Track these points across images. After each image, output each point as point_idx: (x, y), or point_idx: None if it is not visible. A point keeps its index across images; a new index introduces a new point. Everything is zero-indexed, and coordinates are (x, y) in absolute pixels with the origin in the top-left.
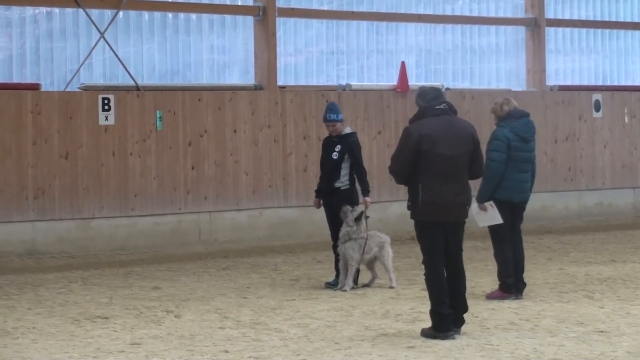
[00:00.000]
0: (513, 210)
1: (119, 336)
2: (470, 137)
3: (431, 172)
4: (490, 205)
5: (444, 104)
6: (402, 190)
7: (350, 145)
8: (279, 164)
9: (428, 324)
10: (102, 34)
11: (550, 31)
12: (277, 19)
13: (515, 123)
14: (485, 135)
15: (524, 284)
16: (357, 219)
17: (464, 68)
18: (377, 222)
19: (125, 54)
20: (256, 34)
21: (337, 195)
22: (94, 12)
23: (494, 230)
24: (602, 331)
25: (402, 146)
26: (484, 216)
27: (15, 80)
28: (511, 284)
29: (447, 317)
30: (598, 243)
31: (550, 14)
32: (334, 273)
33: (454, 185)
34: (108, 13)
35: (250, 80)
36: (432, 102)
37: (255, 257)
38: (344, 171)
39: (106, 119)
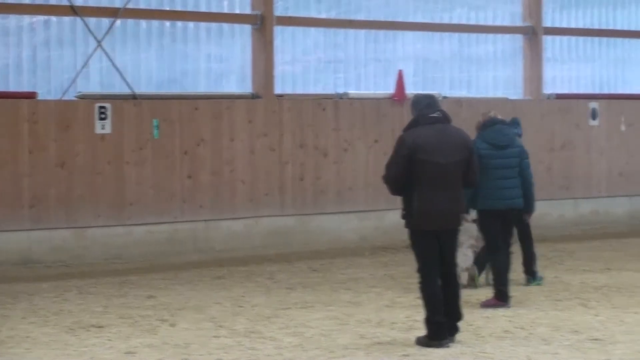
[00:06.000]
0: (503, 218)
1: (113, 345)
2: (464, 146)
3: (425, 180)
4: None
5: (438, 112)
6: (398, 199)
7: None
8: (276, 173)
9: (423, 332)
10: (99, 43)
11: (547, 39)
12: (275, 27)
13: (486, 131)
14: None
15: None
16: None
17: (462, 76)
18: (373, 231)
19: (123, 63)
20: (254, 42)
21: None
22: (91, 21)
23: (487, 239)
24: (596, 339)
25: (396, 154)
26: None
27: (12, 89)
28: (506, 292)
29: (441, 326)
30: (593, 251)
31: (547, 22)
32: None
33: (448, 194)
34: (105, 21)
35: (247, 88)
36: (425, 110)
37: (250, 266)
38: None
39: (103, 127)
